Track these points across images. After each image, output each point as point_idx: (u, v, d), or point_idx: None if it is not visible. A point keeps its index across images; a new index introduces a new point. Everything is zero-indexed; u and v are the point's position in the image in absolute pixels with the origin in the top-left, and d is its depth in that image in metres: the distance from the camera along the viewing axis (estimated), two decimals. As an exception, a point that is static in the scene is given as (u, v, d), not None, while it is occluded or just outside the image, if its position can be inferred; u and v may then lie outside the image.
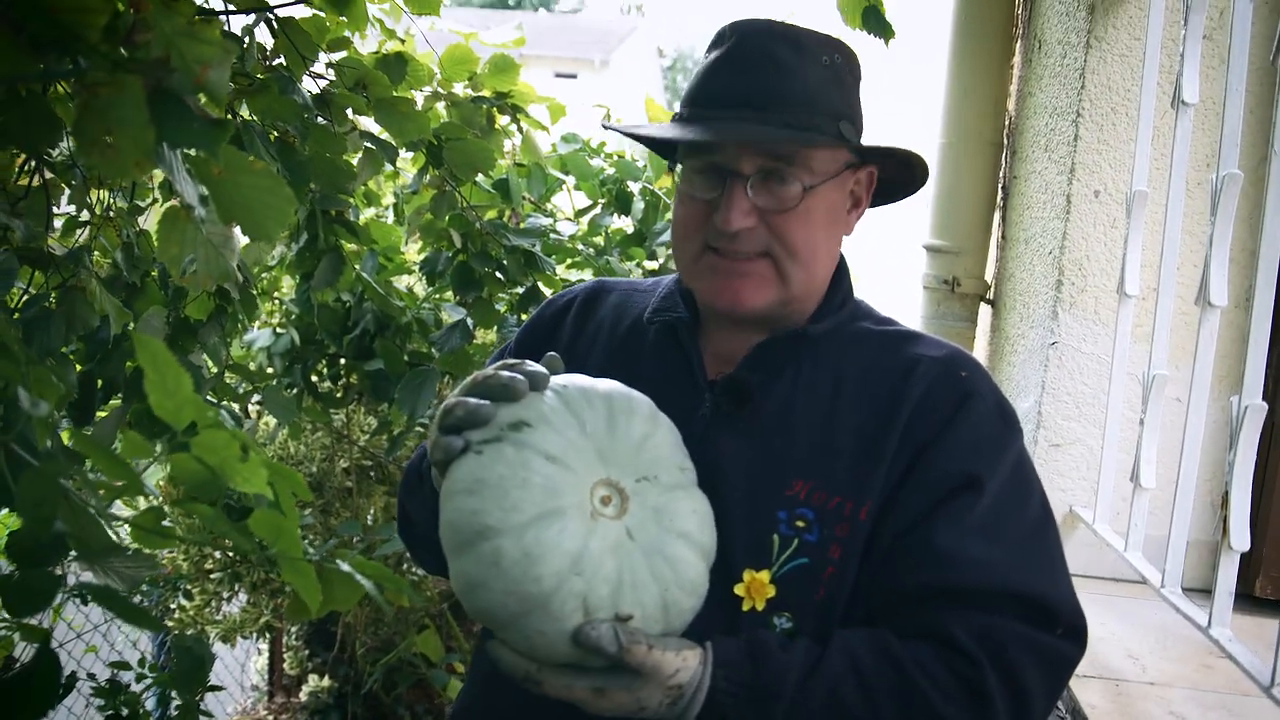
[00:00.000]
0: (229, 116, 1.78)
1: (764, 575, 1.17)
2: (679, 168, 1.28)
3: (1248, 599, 2.33)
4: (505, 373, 1.12)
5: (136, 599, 3.39)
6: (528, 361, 1.15)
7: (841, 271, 1.35)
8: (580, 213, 3.07)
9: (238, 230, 1.40)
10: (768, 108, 1.19)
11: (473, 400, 1.10)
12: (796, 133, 1.19)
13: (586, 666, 1.07)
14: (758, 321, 1.28)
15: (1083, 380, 2.39)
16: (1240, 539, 1.56)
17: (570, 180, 3.07)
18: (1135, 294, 2.11)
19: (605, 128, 1.43)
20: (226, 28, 1.76)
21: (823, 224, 1.24)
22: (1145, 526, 2.01)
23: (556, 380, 1.16)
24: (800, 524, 1.18)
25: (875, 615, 1.18)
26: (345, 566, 1.14)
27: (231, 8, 1.75)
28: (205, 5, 1.73)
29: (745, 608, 1.18)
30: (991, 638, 1.11)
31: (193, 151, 1.12)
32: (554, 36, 27.40)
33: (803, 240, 1.22)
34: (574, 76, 25.58)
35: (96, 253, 1.91)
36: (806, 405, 1.24)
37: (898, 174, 1.34)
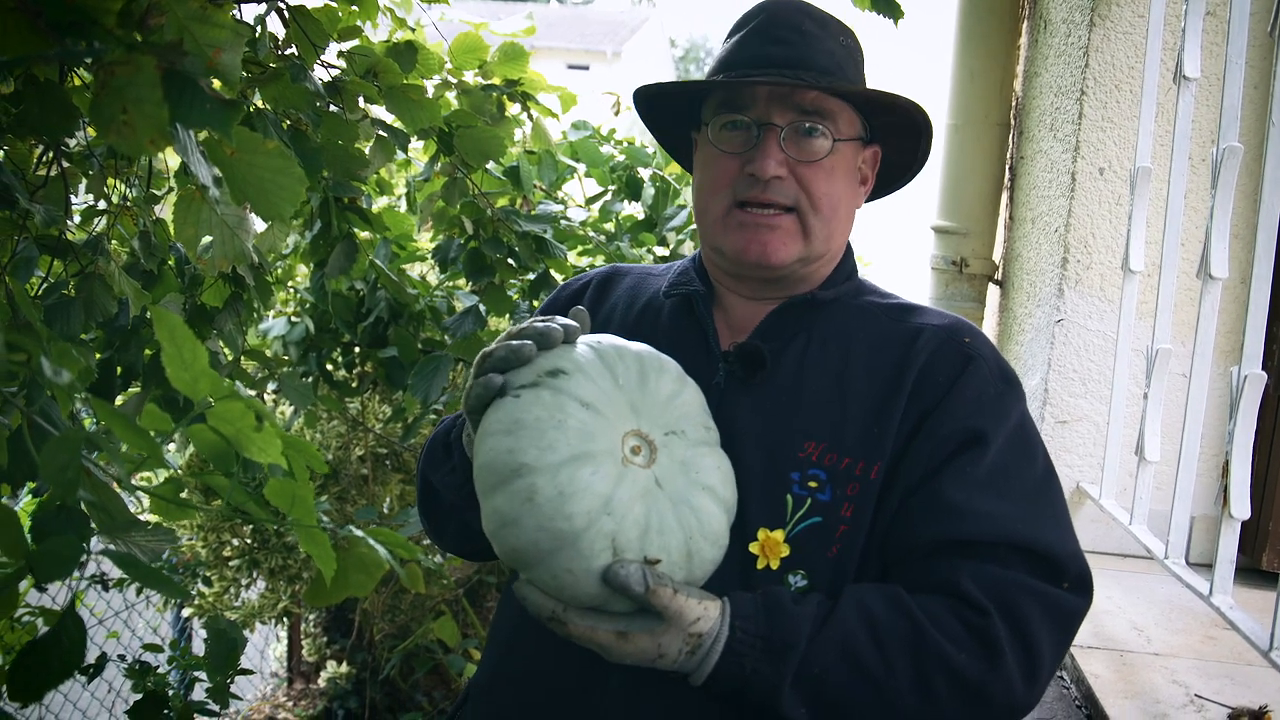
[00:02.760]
0: (242, 100, 1.81)
1: (778, 534, 1.21)
2: (705, 130, 1.33)
3: (1254, 573, 2.34)
4: (540, 322, 1.16)
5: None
6: (559, 316, 1.20)
7: (847, 250, 1.40)
8: (591, 200, 3.09)
9: (253, 214, 1.43)
10: (799, 70, 1.26)
11: (514, 342, 1.15)
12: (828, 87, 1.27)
13: (610, 610, 1.10)
14: (778, 282, 1.33)
15: (1089, 357, 2.41)
16: (1240, 507, 1.57)
17: (581, 168, 3.09)
18: (1140, 270, 2.12)
19: (637, 93, 1.44)
20: (239, 16, 1.79)
21: (843, 184, 1.31)
22: (1150, 500, 2.02)
23: (590, 337, 1.21)
24: (813, 484, 1.22)
25: (887, 571, 1.22)
26: (359, 532, 1.17)
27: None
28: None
29: (760, 566, 1.21)
30: (1000, 589, 1.14)
31: (203, 134, 1.15)
32: (566, 28, 27.40)
33: (826, 194, 1.28)
34: (586, 68, 25.60)
35: (114, 241, 1.95)
36: (817, 371, 1.28)
37: (899, 156, 1.39)
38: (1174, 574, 1.80)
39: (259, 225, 2.34)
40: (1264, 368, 1.58)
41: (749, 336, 1.33)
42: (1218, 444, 2.35)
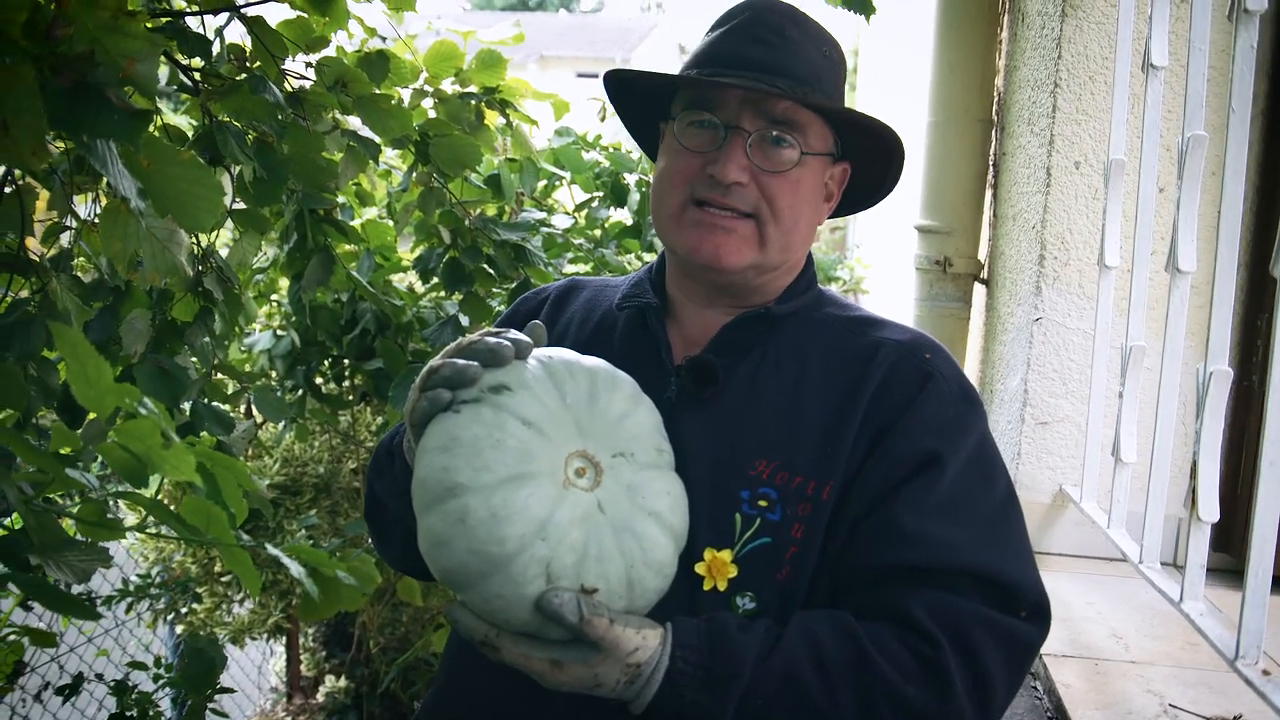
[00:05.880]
0: (208, 120, 1.80)
1: (725, 554, 1.17)
2: (672, 124, 1.28)
3: (1239, 575, 2.27)
4: (491, 338, 1.12)
5: (145, 603, 3.42)
6: (512, 330, 1.16)
7: (807, 261, 1.36)
8: (579, 207, 3.07)
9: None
10: (776, 75, 1.21)
11: (460, 361, 1.11)
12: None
13: (545, 637, 1.07)
14: (729, 288, 1.29)
15: (1068, 356, 2.36)
16: (1209, 510, 1.53)
17: (569, 175, 3.07)
18: (1116, 265, 2.07)
19: (609, 74, 1.38)
20: (200, 29, 1.78)
21: (808, 197, 1.26)
22: (1129, 503, 1.97)
23: (543, 351, 1.17)
24: (763, 503, 1.18)
25: (837, 596, 1.17)
26: (274, 550, 1.15)
27: (194, 8, 1.77)
28: (167, 5, 1.75)
29: (706, 587, 1.17)
30: (952, 618, 1.10)
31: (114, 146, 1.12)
32: (575, 36, 27.45)
33: (789, 205, 1.23)
34: (595, 76, 25.60)
35: (80, 258, 1.93)
36: (771, 387, 1.24)
37: (867, 179, 1.34)
38: (1147, 579, 1.76)
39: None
40: (1244, 363, 1.54)
41: (703, 350, 1.29)
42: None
